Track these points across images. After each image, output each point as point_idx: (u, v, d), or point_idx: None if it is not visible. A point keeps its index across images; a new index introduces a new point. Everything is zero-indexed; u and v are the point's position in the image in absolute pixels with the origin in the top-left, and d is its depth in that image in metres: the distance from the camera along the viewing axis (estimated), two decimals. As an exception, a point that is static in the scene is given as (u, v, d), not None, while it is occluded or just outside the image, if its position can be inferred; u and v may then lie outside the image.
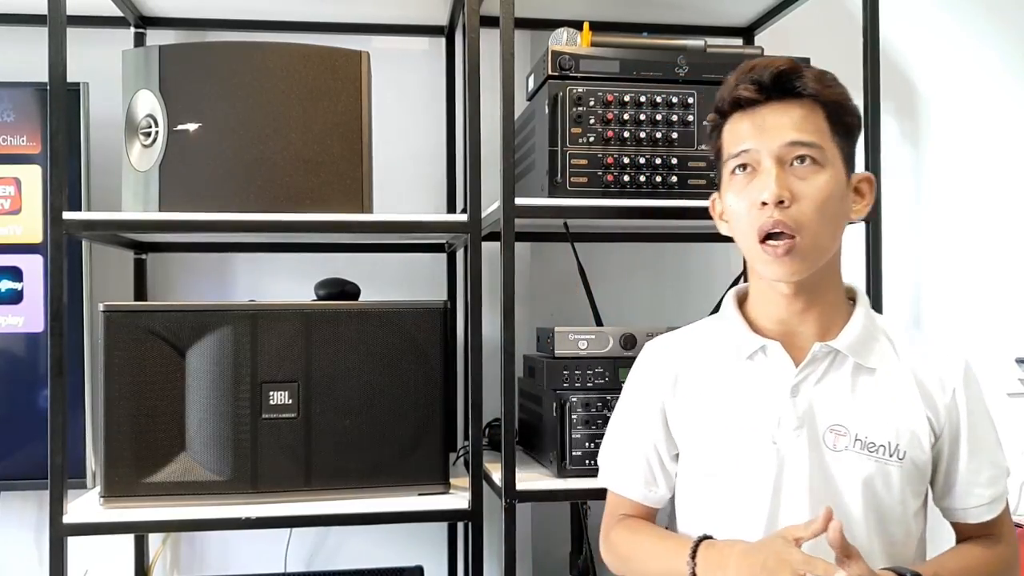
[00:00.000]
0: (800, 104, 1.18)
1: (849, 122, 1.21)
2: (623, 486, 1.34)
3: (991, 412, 1.25)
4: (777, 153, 1.16)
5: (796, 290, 1.20)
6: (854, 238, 1.74)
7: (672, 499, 1.34)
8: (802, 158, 1.16)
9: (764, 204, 1.15)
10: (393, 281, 2.11)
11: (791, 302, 1.21)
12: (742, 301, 1.30)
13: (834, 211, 1.17)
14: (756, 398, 1.22)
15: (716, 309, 1.83)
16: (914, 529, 1.21)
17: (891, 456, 1.17)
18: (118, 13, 1.99)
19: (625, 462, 1.34)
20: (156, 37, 2.05)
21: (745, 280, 1.34)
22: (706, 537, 1.18)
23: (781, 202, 1.14)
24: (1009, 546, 1.25)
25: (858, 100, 1.70)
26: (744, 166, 1.19)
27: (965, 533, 1.26)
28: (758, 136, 1.17)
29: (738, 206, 1.20)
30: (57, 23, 1.53)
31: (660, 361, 1.33)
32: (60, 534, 1.53)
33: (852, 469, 1.17)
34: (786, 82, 1.18)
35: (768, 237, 1.16)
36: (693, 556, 1.15)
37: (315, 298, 1.77)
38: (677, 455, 1.30)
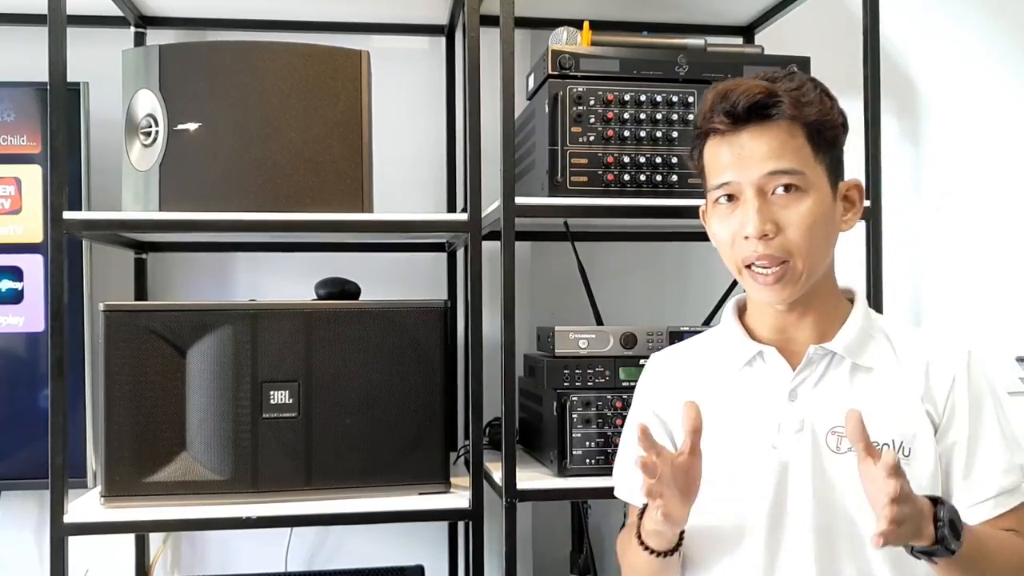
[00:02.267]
0: (778, 127, 1.14)
1: (831, 136, 1.17)
2: (635, 496, 1.34)
3: (1002, 406, 1.20)
4: (757, 184, 1.14)
5: (790, 306, 1.20)
6: (854, 237, 1.74)
7: None
8: (786, 187, 1.14)
9: (747, 237, 1.14)
10: (393, 280, 2.11)
11: (785, 315, 1.21)
12: (742, 311, 1.30)
13: (823, 232, 1.16)
14: (755, 404, 1.21)
15: (713, 314, 1.83)
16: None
17: (896, 454, 1.14)
18: (118, 13, 1.99)
19: (635, 474, 1.34)
20: (156, 37, 2.05)
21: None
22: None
23: (766, 235, 1.13)
24: None
25: (858, 100, 1.73)
26: (728, 196, 1.18)
27: None
28: (737, 166, 1.15)
29: (722, 235, 1.19)
30: (57, 23, 1.53)
31: (661, 375, 1.33)
32: (61, 534, 1.53)
33: (856, 470, 1.14)
34: (761, 109, 1.14)
35: (751, 265, 1.15)
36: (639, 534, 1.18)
37: (315, 298, 1.76)
38: None
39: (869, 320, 1.23)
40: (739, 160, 1.15)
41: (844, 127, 1.20)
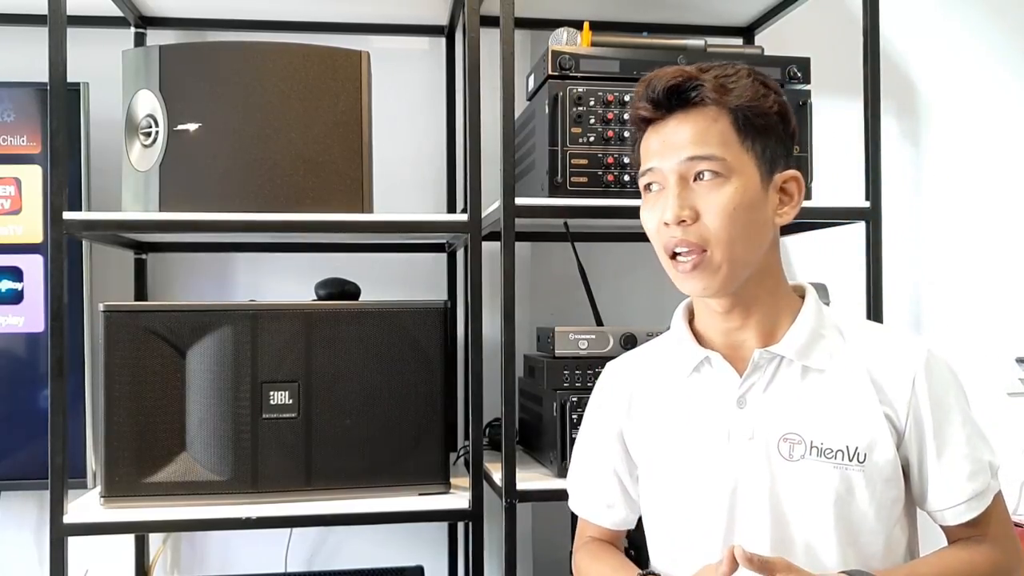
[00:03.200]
0: (702, 114, 1.11)
1: (761, 123, 1.12)
2: (585, 510, 1.34)
3: (966, 402, 1.16)
4: (678, 170, 1.11)
5: (729, 306, 1.16)
6: (854, 238, 1.75)
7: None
8: (701, 173, 1.11)
9: (667, 224, 1.11)
10: (393, 281, 2.11)
11: (727, 318, 1.17)
12: (691, 314, 1.26)
13: (747, 220, 1.10)
14: (704, 412, 1.17)
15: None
16: (898, 539, 1.14)
17: (851, 460, 1.10)
18: (118, 13, 1.99)
19: (586, 486, 1.33)
20: (156, 37, 2.06)
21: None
22: (649, 572, 1.18)
23: (683, 221, 1.10)
24: (1003, 550, 1.14)
25: (858, 100, 1.73)
26: (653, 184, 1.15)
27: (953, 537, 1.17)
28: (660, 153, 1.13)
29: (648, 224, 1.17)
30: (57, 23, 1.53)
31: (615, 384, 1.30)
32: (60, 534, 1.53)
33: (812, 478, 1.10)
34: (682, 94, 1.12)
35: (676, 254, 1.13)
36: None
37: (315, 298, 1.77)
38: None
39: (820, 318, 1.18)
40: (663, 147, 1.13)
41: (780, 116, 1.15)
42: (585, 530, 1.35)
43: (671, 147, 1.12)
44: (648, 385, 1.26)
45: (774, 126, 1.14)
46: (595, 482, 1.31)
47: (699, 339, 1.21)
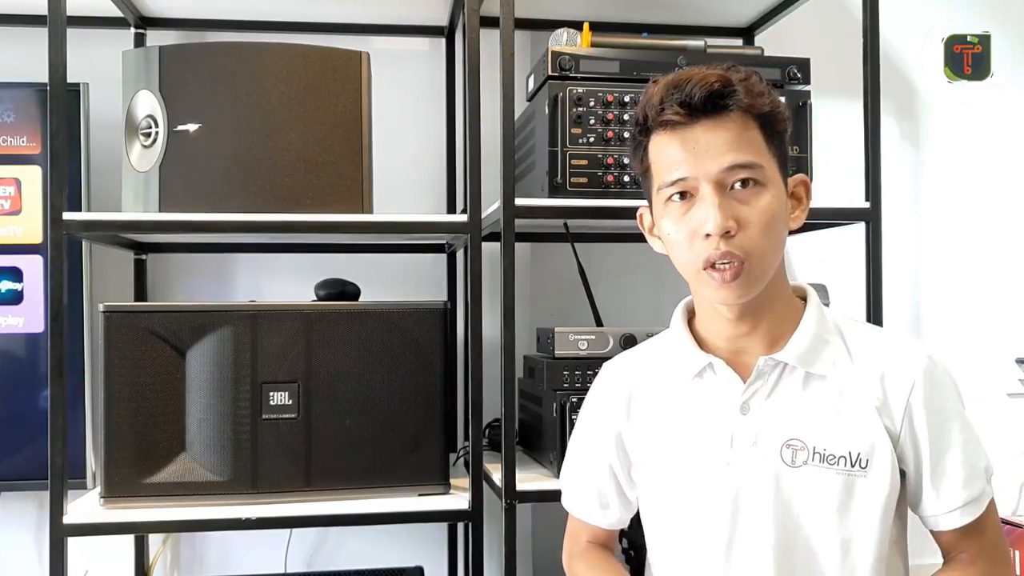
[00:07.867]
0: (732, 119, 1.08)
1: (781, 128, 1.13)
2: (579, 509, 1.33)
3: (963, 408, 1.15)
4: (716, 178, 1.08)
5: (740, 313, 1.14)
6: (854, 238, 1.75)
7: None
8: (744, 181, 1.08)
9: (708, 235, 1.07)
10: (393, 281, 2.11)
11: (736, 325, 1.15)
12: (691, 315, 1.24)
13: (780, 229, 1.11)
14: (707, 418, 1.16)
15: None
16: (893, 541, 1.14)
17: (853, 467, 1.10)
18: (118, 13, 1.99)
19: (580, 486, 1.32)
20: (156, 37, 2.06)
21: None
22: None
23: (727, 231, 1.07)
24: (990, 562, 1.15)
25: (858, 101, 1.73)
26: (681, 194, 1.11)
27: (944, 545, 1.17)
28: (693, 161, 1.09)
29: (677, 235, 1.12)
30: (57, 23, 1.53)
31: (614, 383, 1.28)
32: (60, 534, 1.53)
33: (814, 484, 1.10)
34: (718, 99, 1.08)
35: (711, 264, 1.10)
36: None
37: (315, 298, 1.77)
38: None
39: (823, 323, 1.17)
40: (694, 155, 1.09)
41: (789, 120, 1.16)
42: (579, 532, 1.34)
43: (704, 153, 1.08)
44: (648, 387, 1.25)
45: (785, 131, 1.14)
46: (590, 483, 1.30)
47: (700, 343, 1.20)
